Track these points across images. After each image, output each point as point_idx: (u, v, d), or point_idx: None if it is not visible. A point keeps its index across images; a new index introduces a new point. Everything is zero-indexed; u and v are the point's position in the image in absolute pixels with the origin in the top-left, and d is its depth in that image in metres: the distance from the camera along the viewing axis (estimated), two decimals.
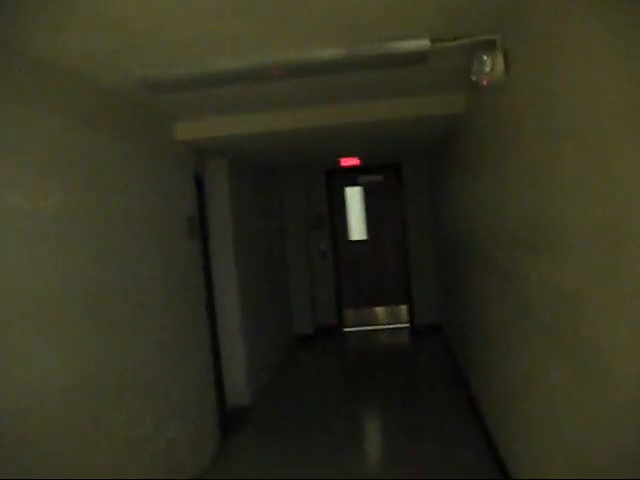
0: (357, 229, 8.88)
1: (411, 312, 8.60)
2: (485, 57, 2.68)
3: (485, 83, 2.78)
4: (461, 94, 4.13)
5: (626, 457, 1.81)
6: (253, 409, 5.72)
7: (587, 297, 1.97)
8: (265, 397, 6.10)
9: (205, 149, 5.00)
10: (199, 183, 5.34)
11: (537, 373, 2.71)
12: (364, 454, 4.77)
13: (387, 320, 8.90)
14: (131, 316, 3.38)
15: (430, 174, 8.01)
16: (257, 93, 3.78)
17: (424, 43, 2.73)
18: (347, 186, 8.83)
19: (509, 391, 3.45)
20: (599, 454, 2.01)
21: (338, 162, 7.93)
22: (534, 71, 2.38)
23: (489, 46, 2.74)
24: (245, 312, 5.77)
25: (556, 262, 2.26)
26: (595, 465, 2.05)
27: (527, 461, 3.12)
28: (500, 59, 2.68)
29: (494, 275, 3.63)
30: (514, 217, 2.95)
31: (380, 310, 8.92)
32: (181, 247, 4.27)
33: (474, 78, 2.83)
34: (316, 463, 4.39)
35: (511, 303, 3.13)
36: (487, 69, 2.70)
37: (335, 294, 8.82)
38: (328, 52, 2.87)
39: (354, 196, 8.84)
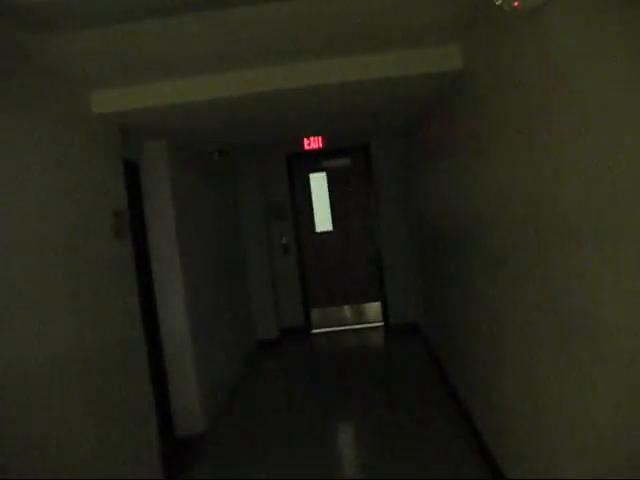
0: (323, 220, 7.99)
1: (385, 310, 7.77)
2: None
3: (517, 5, 1.92)
4: (456, 45, 3.24)
5: None
6: (210, 437, 4.81)
7: None
8: (224, 421, 5.18)
9: (137, 127, 4.04)
10: (133, 170, 4.39)
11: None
12: None
13: (359, 319, 8.05)
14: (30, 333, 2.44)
15: (405, 155, 7.10)
16: (194, 48, 2.87)
17: None
18: (311, 172, 7.91)
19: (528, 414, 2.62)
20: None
21: (301, 144, 7.03)
22: None
23: None
24: (195, 321, 4.84)
25: None
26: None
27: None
28: None
29: (512, 277, 2.78)
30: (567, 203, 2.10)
31: (351, 309, 8.07)
32: (105, 248, 3.33)
33: (498, 1, 1.97)
34: None
35: (551, 318, 2.27)
36: None
37: (301, 292, 7.93)
38: None
39: (319, 183, 7.94)
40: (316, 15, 2.62)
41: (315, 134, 6.63)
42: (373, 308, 7.99)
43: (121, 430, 3.30)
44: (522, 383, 2.83)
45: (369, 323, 7.99)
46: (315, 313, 8.07)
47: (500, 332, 3.18)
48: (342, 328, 8.00)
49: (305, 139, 7.03)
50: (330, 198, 7.91)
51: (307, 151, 7.36)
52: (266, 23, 2.65)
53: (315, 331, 8.01)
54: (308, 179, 7.91)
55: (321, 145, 7.12)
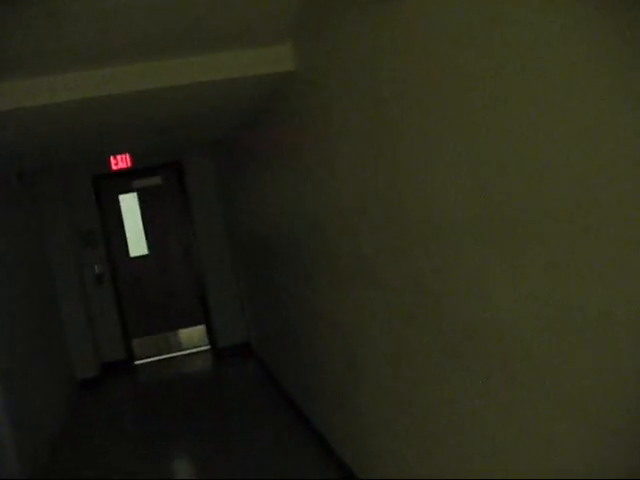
0: (137, 243, 7.50)
1: (211, 333, 7.45)
2: None
3: None
4: (288, 44, 3.08)
5: None
6: None
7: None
8: (46, 475, 4.56)
9: None
10: None
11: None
12: None
13: (184, 345, 7.65)
14: None
15: (225, 169, 6.74)
16: None
17: None
18: (121, 193, 7.39)
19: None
20: None
21: (108, 164, 6.53)
22: None
23: None
24: (3, 372, 4.21)
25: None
26: None
27: None
28: None
29: (373, 285, 2.68)
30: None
31: (175, 335, 7.65)
32: None
33: None
34: None
35: (429, 330, 2.17)
36: None
37: (120, 323, 7.34)
38: None
39: (130, 204, 7.44)
40: (126, 10, 2.33)
41: (123, 151, 6.19)
42: (198, 332, 7.65)
43: None
44: (386, 401, 2.74)
45: (196, 347, 7.63)
46: (137, 343, 7.53)
47: (358, 343, 3.09)
48: (168, 356, 7.55)
49: (112, 158, 6.54)
50: (143, 220, 7.46)
51: (115, 171, 6.85)
52: (70, 21, 2.32)
53: (139, 362, 7.47)
54: (118, 201, 7.39)
55: (130, 164, 6.67)
